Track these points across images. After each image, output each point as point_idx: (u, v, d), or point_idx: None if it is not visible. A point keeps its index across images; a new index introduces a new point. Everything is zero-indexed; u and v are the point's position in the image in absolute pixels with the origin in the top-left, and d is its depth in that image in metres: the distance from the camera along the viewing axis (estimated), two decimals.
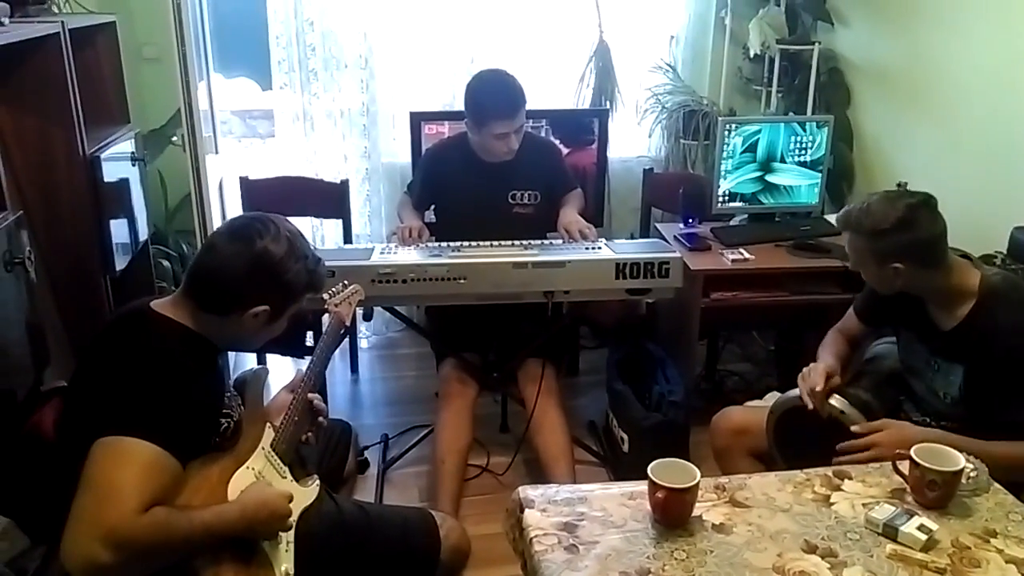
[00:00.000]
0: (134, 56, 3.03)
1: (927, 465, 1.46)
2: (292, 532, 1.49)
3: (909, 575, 1.31)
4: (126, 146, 2.50)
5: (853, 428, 1.79)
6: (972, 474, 1.52)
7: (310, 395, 1.68)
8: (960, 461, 1.47)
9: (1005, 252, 2.32)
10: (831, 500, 1.51)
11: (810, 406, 1.85)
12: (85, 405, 1.38)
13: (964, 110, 2.83)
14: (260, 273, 1.47)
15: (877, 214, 1.75)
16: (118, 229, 2.38)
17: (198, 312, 1.48)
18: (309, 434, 1.70)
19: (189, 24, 2.84)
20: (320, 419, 1.72)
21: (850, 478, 1.58)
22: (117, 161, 2.39)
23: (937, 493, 1.47)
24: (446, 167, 2.69)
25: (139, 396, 1.33)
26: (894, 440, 1.70)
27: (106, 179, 2.26)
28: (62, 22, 2.06)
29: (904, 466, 1.52)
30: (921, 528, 1.38)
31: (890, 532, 1.39)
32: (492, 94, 2.50)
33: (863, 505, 1.48)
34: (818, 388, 1.85)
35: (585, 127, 3.24)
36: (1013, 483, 1.59)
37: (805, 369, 1.94)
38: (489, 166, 2.59)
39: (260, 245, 1.47)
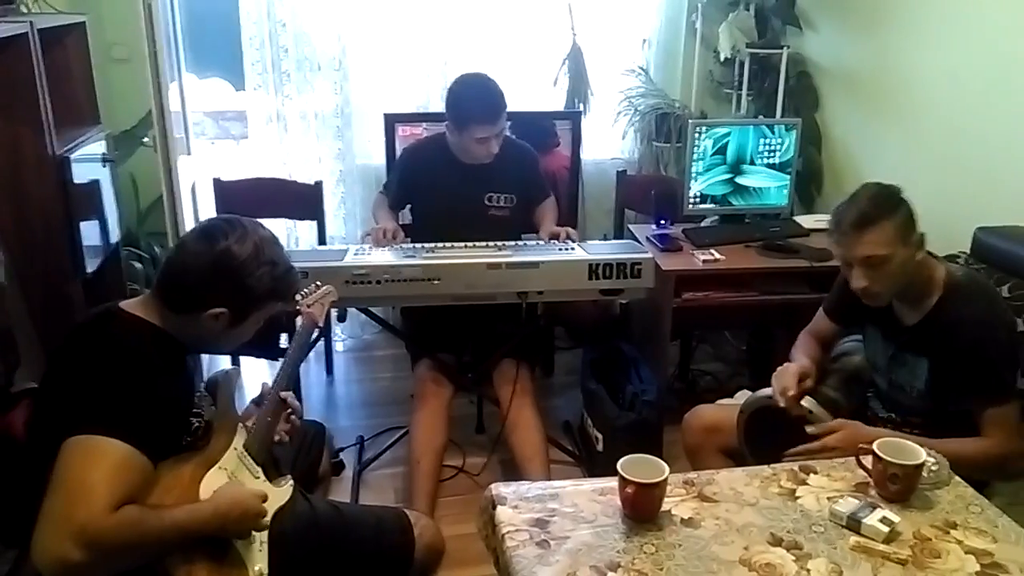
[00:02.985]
0: (103, 56, 3.01)
1: (889, 459, 1.49)
2: (266, 532, 1.49)
3: (872, 566, 1.34)
4: (96, 147, 2.48)
5: (808, 430, 1.81)
6: (933, 468, 1.55)
7: (283, 393, 1.68)
8: (921, 455, 1.51)
9: (968, 252, 2.37)
10: (797, 494, 1.54)
11: (782, 404, 1.87)
12: (55, 405, 1.37)
13: (929, 114, 2.89)
14: (220, 273, 1.45)
15: (884, 194, 1.77)
16: (89, 231, 2.36)
17: (165, 311, 1.48)
18: (283, 433, 1.70)
19: (160, 24, 2.83)
20: (293, 417, 1.72)
21: (815, 473, 1.61)
22: (87, 162, 2.37)
23: (899, 486, 1.50)
24: (423, 166, 2.70)
25: (108, 394, 1.33)
26: (846, 441, 1.74)
27: (76, 180, 2.24)
28: (31, 22, 2.04)
29: (867, 460, 1.56)
30: (883, 520, 1.41)
31: (853, 525, 1.43)
32: (474, 99, 2.51)
33: (827, 499, 1.51)
34: (790, 392, 1.87)
35: (549, 130, 3.25)
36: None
37: (779, 369, 1.95)
38: (466, 167, 2.61)
39: (223, 245, 1.46)
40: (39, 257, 2.16)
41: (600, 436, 2.70)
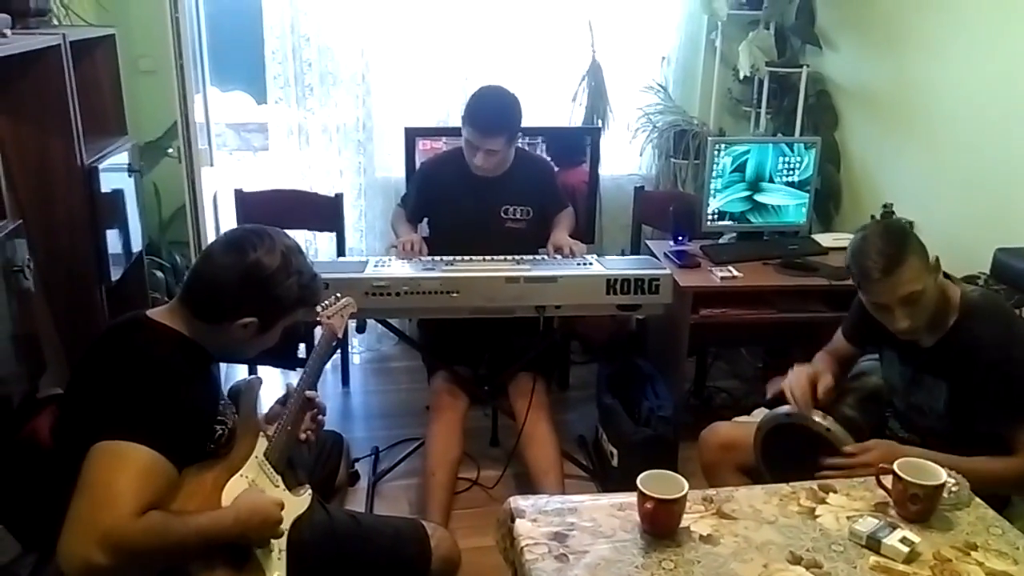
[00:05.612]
0: (131, 68, 3.05)
1: (910, 479, 1.49)
2: (284, 540, 1.50)
3: None
4: (123, 157, 2.51)
5: (844, 449, 1.80)
6: (953, 488, 1.55)
7: (308, 392, 1.70)
8: (942, 476, 1.50)
9: (988, 273, 2.36)
10: (816, 513, 1.54)
11: (797, 407, 1.88)
12: (81, 411, 1.39)
13: (948, 134, 2.89)
14: (250, 284, 1.48)
15: (894, 230, 1.78)
16: (113, 239, 2.39)
17: (192, 320, 1.50)
18: (308, 432, 1.71)
19: (187, 37, 2.87)
20: (320, 417, 1.73)
21: (835, 491, 1.61)
22: (114, 172, 2.40)
23: (919, 507, 1.49)
24: (441, 180, 2.72)
25: (135, 400, 1.35)
26: (882, 459, 1.72)
27: (103, 189, 2.27)
28: (63, 34, 2.08)
29: (887, 480, 1.55)
30: (903, 541, 1.41)
31: (873, 544, 1.42)
32: (480, 105, 2.55)
33: (847, 518, 1.51)
34: (800, 389, 1.89)
35: (578, 146, 3.28)
36: (994, 497, 1.62)
37: (793, 371, 1.96)
38: (483, 180, 2.63)
39: (253, 257, 1.48)
40: (65, 264, 2.19)
41: (615, 451, 2.70)
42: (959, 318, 1.80)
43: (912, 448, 1.81)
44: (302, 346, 2.83)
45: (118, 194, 2.48)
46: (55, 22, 2.46)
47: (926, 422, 1.90)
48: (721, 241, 3.19)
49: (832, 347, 2.16)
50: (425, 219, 2.83)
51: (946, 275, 1.87)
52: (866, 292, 1.81)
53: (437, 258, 2.49)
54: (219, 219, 3.38)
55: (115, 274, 2.38)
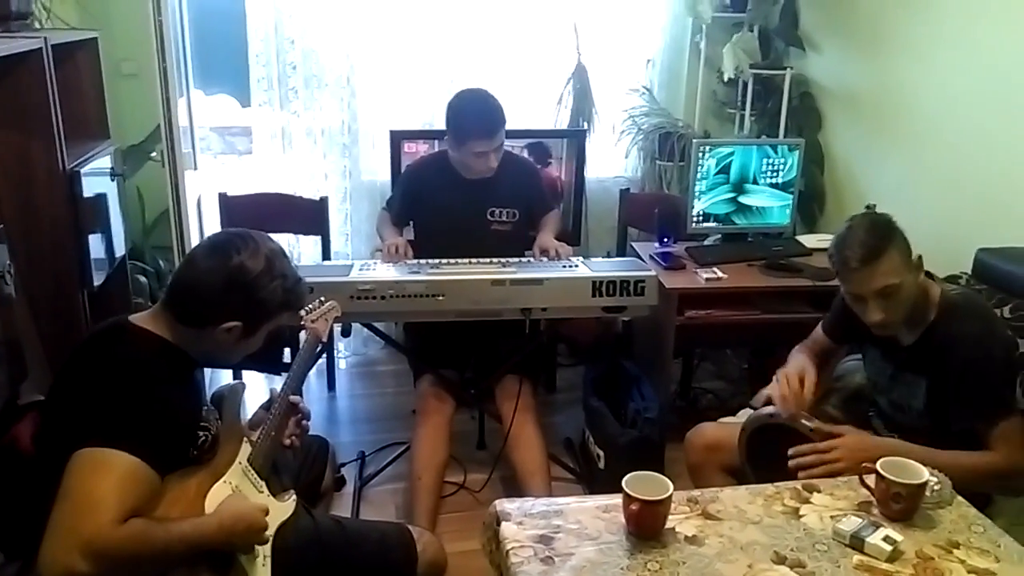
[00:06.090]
0: (113, 72, 3.03)
1: (892, 478, 1.50)
2: (269, 546, 1.49)
3: None
4: (105, 161, 2.49)
5: (814, 432, 1.81)
6: (936, 487, 1.56)
7: (293, 397, 1.69)
8: (924, 474, 1.51)
9: (969, 273, 2.38)
10: (800, 513, 1.54)
11: (784, 414, 1.87)
12: (63, 417, 1.38)
13: (931, 135, 2.92)
14: (234, 288, 1.47)
15: (880, 223, 1.79)
16: (96, 244, 2.37)
17: (175, 325, 1.49)
18: (293, 438, 1.70)
19: (170, 40, 2.86)
20: (305, 422, 1.73)
21: (818, 491, 1.62)
22: (96, 176, 2.38)
23: (902, 505, 1.50)
24: (426, 183, 2.72)
25: (117, 407, 1.34)
26: (852, 447, 1.75)
27: (85, 194, 2.25)
28: (45, 38, 2.06)
29: (870, 479, 1.56)
30: (887, 539, 1.42)
31: (857, 543, 1.43)
32: (472, 113, 2.54)
33: (831, 517, 1.52)
34: (793, 393, 1.87)
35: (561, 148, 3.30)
36: (976, 495, 1.63)
37: (780, 375, 1.95)
38: (468, 183, 2.63)
39: (236, 261, 1.47)
40: (47, 270, 2.16)
41: (602, 453, 2.70)
42: (938, 315, 1.82)
43: (883, 439, 1.83)
44: (286, 351, 2.81)
45: (101, 198, 2.46)
46: (37, 25, 2.44)
47: (907, 419, 1.91)
48: (706, 243, 3.20)
49: (810, 342, 2.18)
50: (410, 222, 2.83)
51: (928, 274, 1.88)
52: (844, 281, 1.83)
53: (423, 261, 2.48)
54: (203, 223, 3.36)
55: (98, 279, 2.36)
